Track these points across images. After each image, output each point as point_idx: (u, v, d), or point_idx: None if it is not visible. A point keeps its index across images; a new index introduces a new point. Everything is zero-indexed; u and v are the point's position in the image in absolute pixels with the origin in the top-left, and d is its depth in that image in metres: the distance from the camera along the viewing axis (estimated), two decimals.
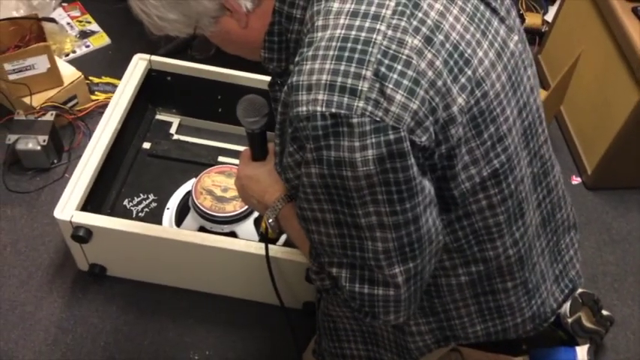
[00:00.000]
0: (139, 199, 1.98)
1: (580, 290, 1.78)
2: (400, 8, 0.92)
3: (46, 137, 2.00)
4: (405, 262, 0.99)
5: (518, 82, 1.06)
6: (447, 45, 0.94)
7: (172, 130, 2.21)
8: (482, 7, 1.02)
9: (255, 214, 1.86)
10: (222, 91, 2.09)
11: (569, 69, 2.11)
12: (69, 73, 2.19)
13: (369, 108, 0.87)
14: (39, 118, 2.04)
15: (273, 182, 1.22)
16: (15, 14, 2.25)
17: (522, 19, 2.71)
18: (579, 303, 1.77)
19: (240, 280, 1.79)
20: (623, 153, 2.11)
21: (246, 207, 1.82)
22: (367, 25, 0.91)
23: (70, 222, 1.63)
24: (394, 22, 0.91)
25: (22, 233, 1.93)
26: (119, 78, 2.03)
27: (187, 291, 1.85)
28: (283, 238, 1.81)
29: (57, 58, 2.15)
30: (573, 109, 2.36)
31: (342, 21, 0.92)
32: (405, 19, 0.92)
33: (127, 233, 1.65)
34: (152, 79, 2.07)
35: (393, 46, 0.90)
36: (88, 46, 2.49)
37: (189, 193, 1.90)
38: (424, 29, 0.92)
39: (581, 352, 1.75)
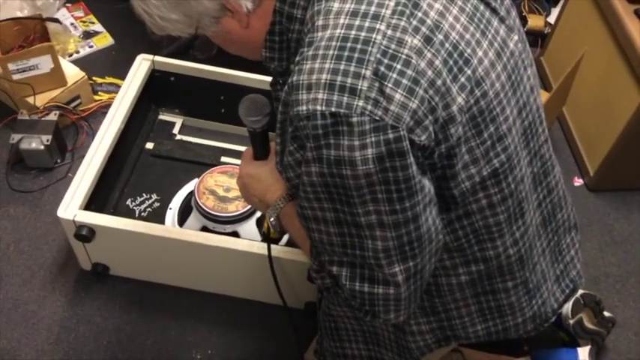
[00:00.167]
0: (142, 198, 1.99)
1: (582, 291, 1.78)
2: (400, 8, 0.93)
3: (50, 137, 2.00)
4: (404, 260, 0.99)
5: (518, 81, 1.06)
6: (447, 44, 0.94)
7: (175, 130, 2.21)
8: (481, 7, 1.03)
9: (258, 214, 1.87)
10: (225, 91, 2.10)
11: (572, 70, 2.11)
12: (72, 73, 2.19)
13: (369, 107, 0.88)
14: (42, 118, 2.05)
15: (275, 181, 1.23)
16: (19, 14, 2.26)
17: (525, 20, 2.71)
18: (581, 304, 1.77)
19: (242, 280, 1.79)
20: (625, 154, 2.11)
21: (249, 207, 1.82)
22: (367, 24, 0.91)
23: (73, 221, 1.63)
24: (394, 21, 0.92)
25: (25, 232, 1.94)
26: (122, 78, 2.04)
27: (190, 290, 1.85)
28: (285, 238, 1.81)
29: (60, 59, 2.16)
30: (575, 111, 2.36)
31: (342, 21, 0.93)
32: (404, 18, 0.92)
33: (130, 233, 1.65)
34: (155, 79, 2.08)
35: (393, 46, 0.90)
36: (91, 47, 2.50)
37: (191, 193, 1.90)
38: (424, 29, 0.93)
39: (583, 353, 1.75)
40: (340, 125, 0.89)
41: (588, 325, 1.78)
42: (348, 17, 0.93)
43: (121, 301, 1.82)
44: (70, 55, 2.43)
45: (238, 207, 1.82)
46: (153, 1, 1.04)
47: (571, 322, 1.76)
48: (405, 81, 0.89)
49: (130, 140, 2.05)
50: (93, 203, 1.74)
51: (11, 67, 2.04)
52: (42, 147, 2.00)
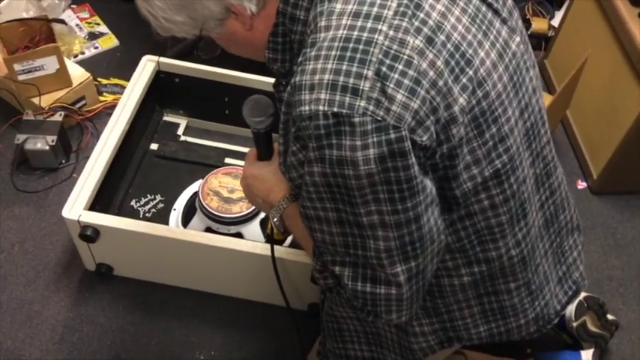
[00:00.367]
0: (146, 199, 1.99)
1: (585, 294, 1.78)
2: (402, 9, 0.93)
3: (55, 137, 2.01)
4: (406, 260, 0.99)
5: (520, 82, 1.07)
6: (449, 45, 0.95)
7: (180, 131, 2.22)
8: (484, 9, 1.03)
9: (262, 216, 1.87)
10: (229, 92, 2.10)
11: (576, 74, 2.12)
12: (78, 74, 2.20)
13: (371, 107, 0.88)
14: (48, 119, 2.05)
15: (278, 182, 1.23)
16: (25, 15, 2.27)
17: (529, 23, 2.71)
18: (584, 307, 1.77)
19: (245, 281, 1.79)
20: (628, 158, 2.11)
21: (253, 208, 1.83)
22: (369, 25, 0.92)
23: (78, 221, 1.64)
24: (396, 22, 0.92)
25: (29, 232, 1.94)
26: (127, 79, 2.04)
27: (193, 291, 1.86)
28: (289, 239, 1.81)
29: (66, 59, 2.16)
30: (579, 114, 2.36)
31: (344, 22, 0.93)
32: (406, 19, 0.92)
33: (135, 233, 1.66)
34: (160, 80, 2.09)
35: (395, 47, 0.90)
36: (96, 48, 2.50)
37: (196, 194, 1.91)
38: (425, 30, 0.93)
39: (586, 356, 1.75)
40: (342, 125, 0.89)
41: (592, 327, 1.78)
42: (350, 18, 0.93)
43: (124, 301, 1.83)
44: (75, 56, 2.44)
45: (242, 208, 1.83)
46: (158, 3, 1.04)
47: (574, 324, 1.76)
48: (406, 81, 0.89)
49: (135, 141, 2.06)
50: (97, 204, 1.75)
51: (17, 67, 2.05)
52: (47, 147, 2.00)
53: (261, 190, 1.27)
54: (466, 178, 1.00)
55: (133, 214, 1.95)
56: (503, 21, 1.06)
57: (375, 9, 0.93)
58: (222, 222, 1.83)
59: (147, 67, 2.05)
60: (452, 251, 1.10)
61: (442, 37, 0.94)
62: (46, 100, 2.12)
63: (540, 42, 2.69)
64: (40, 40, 2.18)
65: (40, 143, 2.00)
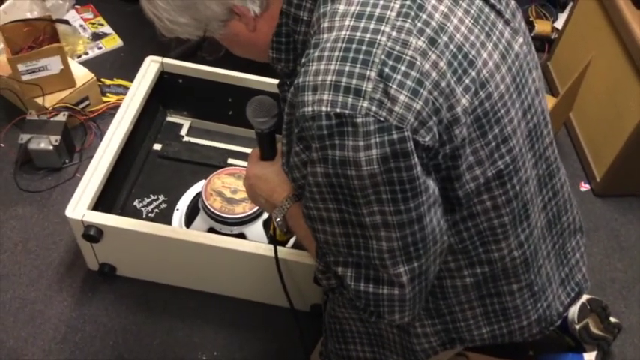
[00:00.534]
0: (150, 199, 2.00)
1: (588, 296, 1.78)
2: (405, 10, 0.93)
3: (58, 137, 2.02)
4: (409, 261, 1.00)
5: (523, 83, 1.07)
6: (451, 46, 0.95)
7: (183, 132, 2.22)
8: (486, 10, 1.03)
9: (265, 216, 1.87)
10: (232, 93, 2.11)
11: (579, 76, 2.12)
12: (81, 74, 2.21)
13: (373, 108, 0.88)
14: (51, 119, 2.06)
15: (281, 182, 1.23)
16: (29, 15, 2.27)
17: (532, 26, 2.71)
18: (587, 309, 1.77)
19: (248, 282, 1.80)
20: (632, 160, 2.11)
21: (256, 209, 1.83)
22: (372, 26, 0.92)
23: (82, 221, 1.64)
24: (398, 23, 0.92)
25: (32, 232, 1.95)
26: (130, 80, 2.05)
27: (196, 291, 1.86)
28: (292, 240, 1.81)
29: (69, 60, 2.17)
30: (582, 116, 2.36)
31: (347, 23, 0.94)
32: (409, 20, 0.93)
33: (138, 233, 1.66)
34: (164, 81, 2.09)
35: (397, 47, 0.91)
36: (100, 48, 2.51)
37: (198, 195, 1.91)
38: (428, 31, 0.94)
39: (589, 358, 1.75)
40: (345, 126, 0.89)
41: (594, 330, 1.78)
42: (353, 19, 0.94)
43: (127, 301, 1.83)
44: (79, 57, 2.45)
45: (245, 209, 1.83)
46: (162, 5, 1.05)
47: (577, 326, 1.76)
48: (409, 82, 0.90)
49: (138, 141, 2.06)
50: (100, 204, 1.75)
51: (21, 67, 2.06)
52: (50, 147, 2.01)
53: (264, 190, 1.27)
54: (469, 178, 1.01)
55: (136, 214, 1.95)
56: (506, 22, 1.06)
57: (378, 10, 0.94)
58: (225, 222, 1.83)
59: (150, 67, 2.05)
60: (454, 252, 1.10)
61: (445, 38, 0.95)
62: (49, 101, 2.13)
63: (543, 44, 2.69)
64: (44, 41, 2.18)
65: (44, 143, 2.01)
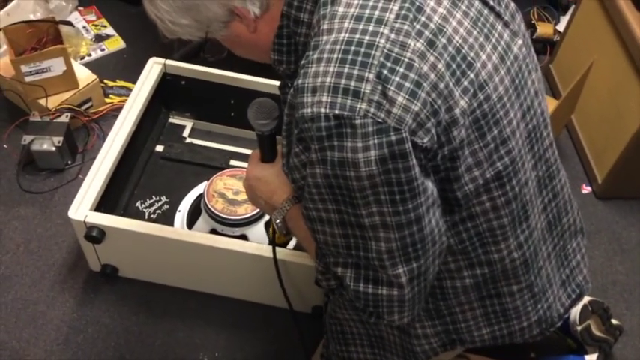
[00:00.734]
0: (152, 201, 2.00)
1: (589, 298, 1.78)
2: (403, 12, 0.94)
3: (61, 139, 2.02)
4: (408, 262, 1.00)
5: (522, 85, 1.07)
6: (450, 48, 0.96)
7: (185, 133, 2.23)
8: (485, 12, 1.04)
9: (266, 218, 1.88)
10: (235, 95, 2.11)
11: (581, 78, 2.12)
12: (84, 75, 2.21)
13: (372, 109, 0.89)
14: (54, 120, 2.06)
15: (282, 184, 1.24)
16: (32, 17, 2.28)
17: (534, 28, 2.71)
18: (589, 310, 1.76)
19: (250, 283, 1.80)
20: (633, 163, 2.11)
21: (258, 210, 1.83)
22: (371, 28, 0.93)
23: (84, 222, 1.65)
24: (397, 25, 0.93)
25: (35, 233, 1.95)
26: (133, 81, 2.05)
27: (198, 293, 1.86)
28: (293, 241, 1.82)
29: (73, 61, 2.17)
30: (584, 119, 2.36)
31: (346, 25, 0.95)
32: (408, 22, 0.93)
33: (140, 234, 1.66)
34: (166, 82, 2.09)
35: (396, 49, 0.91)
36: (103, 50, 2.51)
37: (201, 196, 1.91)
38: (427, 33, 0.94)
39: None
40: (344, 127, 0.90)
41: (596, 332, 1.77)
42: (352, 21, 0.94)
43: (129, 302, 1.84)
44: (82, 58, 2.45)
45: (247, 210, 1.83)
46: (164, 6, 1.06)
47: (579, 328, 1.76)
48: (407, 84, 0.90)
49: (141, 143, 2.06)
50: (103, 205, 1.75)
51: (24, 69, 2.06)
52: (53, 148, 2.01)
53: (264, 192, 1.28)
54: (468, 180, 1.01)
55: (139, 215, 1.96)
56: (505, 24, 1.07)
57: (377, 12, 0.94)
58: (227, 224, 1.83)
59: (153, 69, 2.05)
60: (454, 253, 1.11)
61: (443, 40, 0.95)
62: (52, 102, 2.13)
63: (545, 47, 2.69)
64: (47, 42, 2.18)
65: (47, 144, 2.01)
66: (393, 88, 0.90)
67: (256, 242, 1.77)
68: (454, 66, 0.95)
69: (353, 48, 0.92)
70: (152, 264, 1.81)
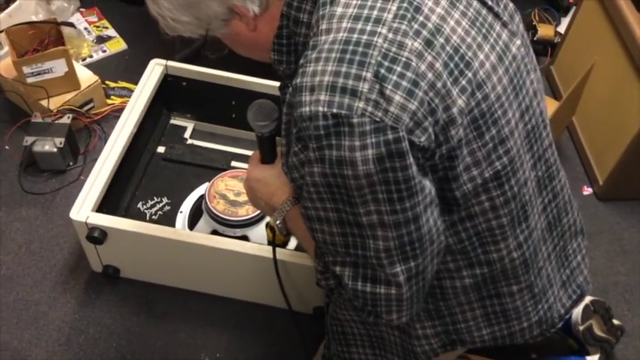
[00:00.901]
0: (153, 202, 2.00)
1: (591, 298, 1.78)
2: (401, 12, 0.94)
3: (63, 140, 2.02)
4: (406, 260, 1.00)
5: (520, 85, 1.07)
6: (448, 48, 0.96)
7: (187, 134, 2.23)
8: (484, 12, 1.04)
9: (268, 219, 1.88)
10: (236, 96, 2.11)
11: (582, 80, 2.12)
12: (86, 77, 2.21)
13: (369, 108, 0.90)
14: (56, 121, 2.07)
15: (282, 185, 1.24)
16: (34, 18, 2.29)
17: (535, 30, 2.71)
18: (591, 310, 1.76)
19: (251, 284, 1.80)
20: (634, 164, 2.11)
21: (259, 211, 1.83)
22: (369, 28, 0.93)
23: (86, 223, 1.65)
24: (395, 25, 0.93)
25: (36, 234, 1.95)
26: (135, 83, 2.05)
27: (199, 293, 1.86)
28: (294, 242, 1.82)
29: (74, 62, 2.18)
30: (585, 120, 2.36)
31: (344, 24, 0.95)
32: (405, 22, 0.94)
33: (141, 235, 1.67)
34: (168, 84, 2.10)
35: (393, 49, 0.92)
36: (104, 51, 2.52)
37: (202, 197, 1.91)
38: (424, 32, 0.95)
39: None
40: (341, 126, 0.90)
41: (598, 332, 1.77)
42: (350, 21, 0.95)
43: (131, 303, 1.84)
44: (84, 60, 2.46)
45: (248, 211, 1.83)
46: (165, 4, 1.07)
47: (581, 328, 1.76)
48: (404, 83, 0.91)
49: (142, 144, 2.07)
50: (104, 206, 1.76)
51: (26, 70, 2.07)
52: (55, 149, 2.02)
53: (264, 193, 1.28)
54: (466, 179, 1.01)
55: (140, 216, 1.96)
56: (504, 24, 1.07)
57: (375, 12, 0.95)
58: (229, 225, 1.84)
59: (155, 70, 2.06)
60: (453, 252, 1.11)
61: (441, 40, 0.96)
62: (54, 103, 2.13)
63: (546, 48, 2.69)
64: (49, 43, 2.19)
65: (48, 145, 2.02)
66: (390, 87, 0.90)
67: (257, 243, 1.77)
68: (452, 65, 0.96)
69: (351, 47, 0.92)
70: (153, 265, 1.81)
